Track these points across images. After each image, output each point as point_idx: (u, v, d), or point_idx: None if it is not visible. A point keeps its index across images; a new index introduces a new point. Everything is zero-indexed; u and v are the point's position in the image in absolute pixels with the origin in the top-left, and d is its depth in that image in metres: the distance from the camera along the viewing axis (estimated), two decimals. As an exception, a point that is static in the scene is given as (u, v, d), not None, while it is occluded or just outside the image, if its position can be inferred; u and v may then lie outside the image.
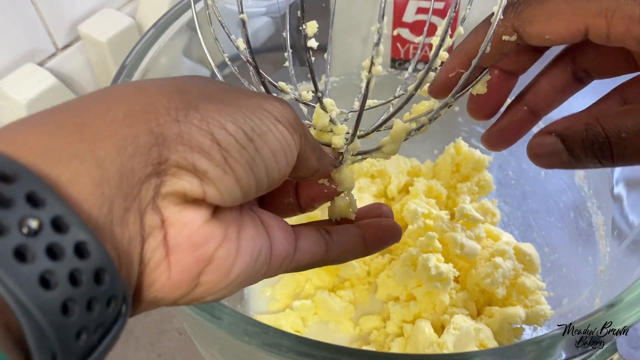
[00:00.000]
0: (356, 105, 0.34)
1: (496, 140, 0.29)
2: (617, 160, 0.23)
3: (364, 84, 0.23)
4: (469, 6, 0.31)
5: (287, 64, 0.34)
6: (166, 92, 0.18)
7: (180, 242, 0.18)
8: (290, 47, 0.34)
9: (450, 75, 0.26)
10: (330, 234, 0.25)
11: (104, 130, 0.16)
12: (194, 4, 0.31)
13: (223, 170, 0.18)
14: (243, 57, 0.27)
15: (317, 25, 0.24)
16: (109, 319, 0.15)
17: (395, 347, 0.45)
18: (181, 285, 0.18)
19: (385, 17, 0.21)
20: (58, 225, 0.14)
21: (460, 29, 0.30)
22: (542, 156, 0.25)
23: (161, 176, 0.17)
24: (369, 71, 0.22)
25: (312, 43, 0.24)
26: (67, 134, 0.16)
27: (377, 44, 0.21)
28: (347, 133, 0.27)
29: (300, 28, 0.23)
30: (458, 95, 0.26)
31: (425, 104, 0.29)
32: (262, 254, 0.21)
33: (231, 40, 0.28)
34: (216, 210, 0.19)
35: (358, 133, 0.26)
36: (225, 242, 0.19)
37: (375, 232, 0.27)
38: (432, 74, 0.26)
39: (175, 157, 0.17)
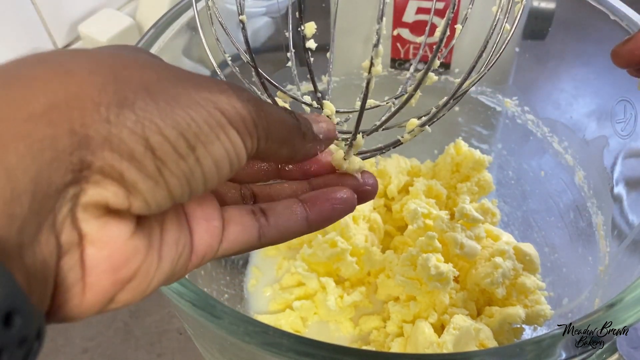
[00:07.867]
0: (357, 105, 0.34)
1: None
2: None
3: (365, 84, 0.23)
4: (470, 5, 0.31)
5: (289, 64, 0.34)
6: (99, 81, 0.16)
7: (98, 263, 0.16)
8: (292, 47, 0.34)
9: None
10: (267, 216, 0.22)
11: (18, 128, 0.14)
12: (195, 3, 0.31)
13: (155, 182, 0.16)
14: (243, 58, 0.28)
15: (315, 26, 0.24)
16: None
17: (395, 347, 0.45)
18: (94, 307, 0.16)
19: (384, 18, 0.21)
20: None
21: (459, 27, 0.30)
22: None
23: (81, 184, 0.15)
24: (369, 72, 0.22)
25: (311, 44, 0.24)
26: None
27: (376, 45, 0.21)
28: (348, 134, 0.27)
29: (299, 29, 0.23)
30: (457, 97, 0.26)
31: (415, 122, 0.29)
32: (182, 257, 0.19)
33: (231, 42, 0.28)
34: (140, 216, 0.17)
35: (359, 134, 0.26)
36: (148, 255, 0.17)
37: (321, 209, 0.23)
38: (431, 74, 0.27)
39: (101, 163, 0.15)
